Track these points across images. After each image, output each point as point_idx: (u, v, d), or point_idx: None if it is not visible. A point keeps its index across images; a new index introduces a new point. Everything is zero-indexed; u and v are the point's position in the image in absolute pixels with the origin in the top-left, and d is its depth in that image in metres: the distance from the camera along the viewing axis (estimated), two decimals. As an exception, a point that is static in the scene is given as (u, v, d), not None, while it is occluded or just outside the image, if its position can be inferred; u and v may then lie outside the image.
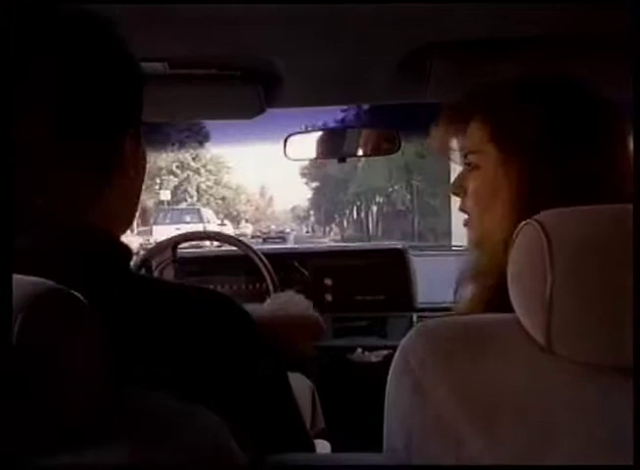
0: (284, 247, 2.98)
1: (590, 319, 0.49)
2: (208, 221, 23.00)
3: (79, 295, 0.43)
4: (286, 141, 1.55)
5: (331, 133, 1.58)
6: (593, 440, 0.48)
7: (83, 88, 0.55)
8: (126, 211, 0.65)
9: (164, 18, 0.89)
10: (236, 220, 46.23)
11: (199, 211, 23.88)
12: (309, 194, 47.82)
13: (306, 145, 1.57)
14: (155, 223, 21.16)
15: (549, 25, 0.91)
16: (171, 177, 31.27)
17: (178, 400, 0.48)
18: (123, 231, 0.66)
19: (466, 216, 0.87)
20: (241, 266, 1.90)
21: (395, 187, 27.89)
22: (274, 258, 1.79)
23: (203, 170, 34.14)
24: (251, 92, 1.21)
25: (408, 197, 26.83)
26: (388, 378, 0.59)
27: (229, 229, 28.85)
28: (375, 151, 1.58)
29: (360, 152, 1.58)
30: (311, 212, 53.37)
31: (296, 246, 4.37)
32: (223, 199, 40.20)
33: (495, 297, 0.64)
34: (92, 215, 0.58)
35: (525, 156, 0.76)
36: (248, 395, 0.61)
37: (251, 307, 0.70)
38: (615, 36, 0.84)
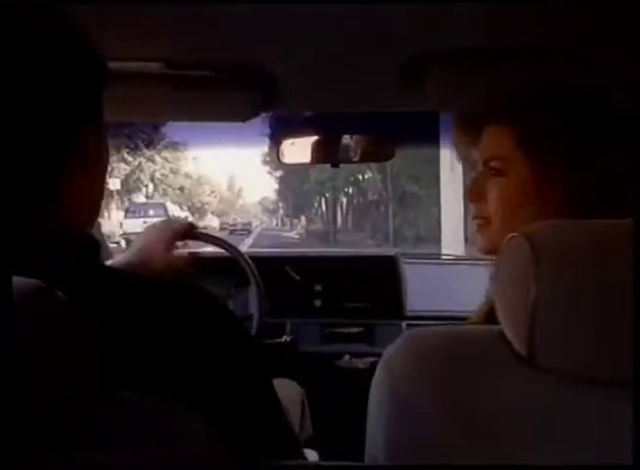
0: (274, 250, 2.98)
1: (572, 331, 0.49)
2: (174, 216, 23.02)
3: (60, 292, 0.42)
4: (280, 145, 1.55)
5: (325, 139, 1.58)
6: (576, 451, 0.48)
7: (31, 83, 0.52)
8: (90, 205, 0.63)
9: (162, 18, 0.89)
10: (200, 213, 44.92)
11: (164, 205, 25.23)
12: (276, 184, 45.58)
13: (300, 150, 1.56)
14: (125, 217, 22.59)
15: (550, 35, 0.91)
16: (122, 165, 27.15)
17: (162, 401, 0.47)
18: (90, 224, 0.64)
19: (475, 222, 0.87)
20: (224, 269, 1.83)
21: (367, 175, 24.92)
22: (263, 261, 1.78)
23: (157, 158, 31.05)
24: (247, 95, 1.21)
25: (380, 185, 23.53)
26: (371, 386, 0.58)
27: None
28: (369, 157, 1.58)
29: (354, 158, 1.58)
30: (280, 205, 51.43)
31: (286, 250, 4.37)
32: (182, 189, 38.37)
33: None
34: (54, 210, 0.56)
35: (556, 162, 0.76)
36: (229, 395, 0.59)
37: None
38: (615, 43, 0.84)
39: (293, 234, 29.07)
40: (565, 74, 0.86)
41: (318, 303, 1.99)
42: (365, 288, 1.98)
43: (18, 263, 0.45)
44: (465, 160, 0.92)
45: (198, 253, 2.13)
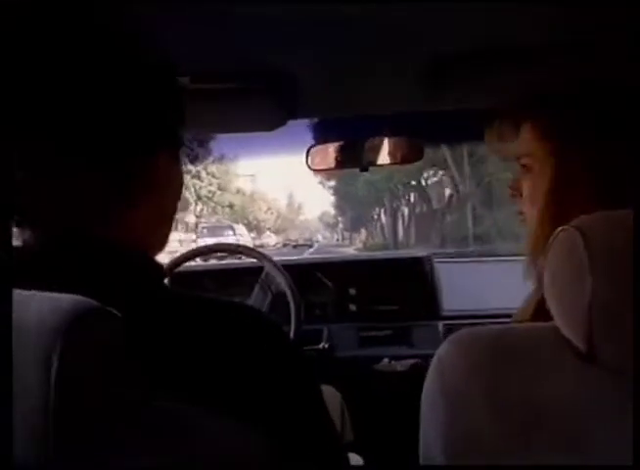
0: (305, 257, 2.98)
1: (633, 325, 0.48)
2: (241, 235, 24.65)
3: (117, 312, 0.43)
4: (308, 152, 1.55)
5: (352, 143, 1.58)
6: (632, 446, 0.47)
7: (108, 107, 0.53)
8: (160, 230, 0.64)
9: (186, 33, 0.90)
10: (257, 230, 43.48)
11: (231, 226, 26.21)
12: (332, 197, 42.15)
13: (328, 155, 1.57)
14: (197, 239, 23.00)
15: (566, 32, 0.90)
16: None
17: (212, 414, 0.48)
18: (159, 250, 0.65)
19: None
20: (257, 279, 1.80)
21: (431, 180, 20.99)
22: (296, 269, 1.79)
23: (203, 174, 28.33)
24: (273, 105, 1.22)
25: (447, 192, 19.63)
26: (424, 389, 0.58)
27: (248, 240, 28.38)
28: (397, 159, 1.58)
29: (382, 161, 1.57)
30: (339, 219, 49.43)
31: (317, 256, 4.38)
32: (231, 206, 35.61)
33: None
34: (122, 235, 0.57)
35: (582, 160, 0.76)
36: (284, 410, 0.60)
37: None
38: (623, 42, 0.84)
39: (351, 249, 25.91)
40: (595, 72, 0.86)
41: (353, 307, 1.99)
42: (399, 290, 1.98)
43: (82, 281, 0.49)
44: (502, 157, 0.93)
45: (237, 264, 2.15)
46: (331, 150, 1.56)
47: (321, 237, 46.56)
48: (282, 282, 1.58)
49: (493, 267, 2.14)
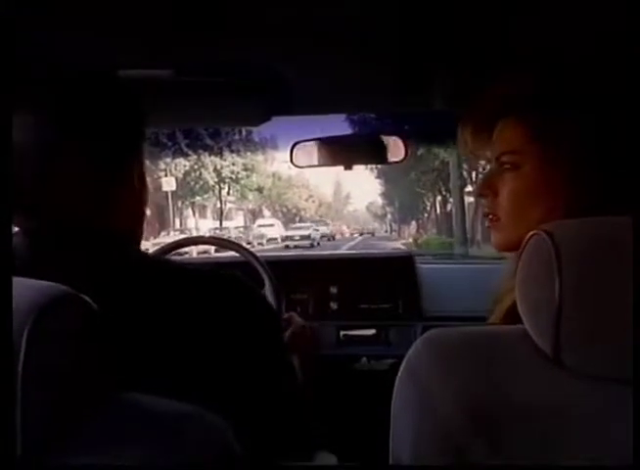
0: (288, 254, 2.98)
1: (599, 330, 0.49)
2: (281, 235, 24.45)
3: (88, 298, 0.44)
4: (292, 149, 1.55)
5: (337, 140, 1.58)
6: (601, 450, 0.48)
7: (98, 130, 0.72)
8: (135, 216, 0.80)
9: (171, 25, 0.89)
10: (295, 221, 38.99)
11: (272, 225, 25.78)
12: (380, 186, 38.43)
13: (312, 153, 1.56)
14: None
15: (553, 36, 0.91)
16: (180, 160, 22.45)
17: (183, 402, 0.48)
18: (138, 231, 0.81)
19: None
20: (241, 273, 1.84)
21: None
22: (278, 265, 1.78)
23: (226, 151, 22.91)
24: (257, 100, 1.22)
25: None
26: (395, 387, 0.58)
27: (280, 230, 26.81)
28: (382, 158, 1.58)
29: (366, 159, 1.57)
30: (387, 209, 45.25)
31: (301, 252, 4.38)
32: (260, 190, 30.72)
33: None
34: (109, 220, 0.73)
35: (573, 157, 0.75)
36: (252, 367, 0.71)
37: None
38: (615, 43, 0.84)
39: (399, 244, 23.11)
40: (578, 70, 0.86)
41: (334, 305, 1.99)
42: (381, 289, 1.98)
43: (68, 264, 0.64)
44: (471, 158, 0.91)
45: (218, 258, 2.15)
46: (316, 147, 1.56)
47: (364, 231, 42.77)
48: (263, 275, 1.57)
49: (477, 270, 2.15)
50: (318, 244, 23.95)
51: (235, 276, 0.76)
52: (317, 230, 27.31)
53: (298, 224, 31.96)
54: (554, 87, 0.80)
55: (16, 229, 0.69)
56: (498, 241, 0.85)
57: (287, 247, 21.98)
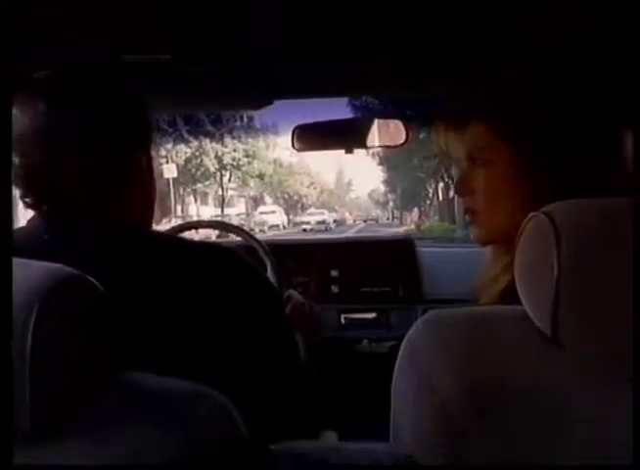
0: (289, 238, 2.98)
1: (597, 310, 0.49)
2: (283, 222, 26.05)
3: (94, 280, 0.44)
4: (293, 132, 1.54)
5: (338, 124, 1.58)
6: (599, 429, 0.48)
7: (104, 127, 0.76)
8: (146, 207, 0.85)
9: (170, 11, 0.89)
10: (296, 208, 39.71)
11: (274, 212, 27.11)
12: (382, 173, 38.63)
13: (313, 136, 1.56)
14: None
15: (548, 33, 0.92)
16: (181, 146, 22.36)
17: (189, 382, 0.49)
18: (146, 216, 0.85)
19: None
20: None
21: None
22: (279, 248, 1.79)
23: (228, 138, 23.14)
24: (258, 84, 1.21)
25: None
26: (395, 369, 0.59)
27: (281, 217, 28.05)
28: (382, 142, 1.57)
29: (367, 143, 1.57)
30: (389, 196, 45.18)
31: (303, 237, 4.38)
32: (261, 177, 30.63)
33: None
34: (120, 210, 0.78)
35: (539, 151, 0.76)
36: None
37: None
38: (612, 42, 0.85)
39: (401, 230, 23.46)
40: (547, 69, 0.87)
41: (335, 289, 2.00)
42: (382, 272, 1.98)
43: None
44: (447, 155, 0.92)
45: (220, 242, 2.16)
46: (316, 131, 1.55)
47: (365, 218, 43.16)
48: (265, 258, 1.58)
49: (478, 253, 2.15)
50: (331, 228, 26.90)
51: (234, 253, 0.79)
52: (331, 215, 31.05)
53: (313, 210, 34.42)
54: (520, 84, 0.81)
55: (28, 216, 0.75)
56: (478, 235, 0.87)
57: (304, 230, 25.00)
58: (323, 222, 27.49)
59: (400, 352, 0.58)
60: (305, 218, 29.10)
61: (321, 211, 32.95)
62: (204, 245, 0.84)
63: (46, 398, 0.41)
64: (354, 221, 38.71)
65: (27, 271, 0.41)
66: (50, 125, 0.72)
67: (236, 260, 0.78)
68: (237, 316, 0.71)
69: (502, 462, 0.49)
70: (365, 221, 38.49)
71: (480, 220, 0.85)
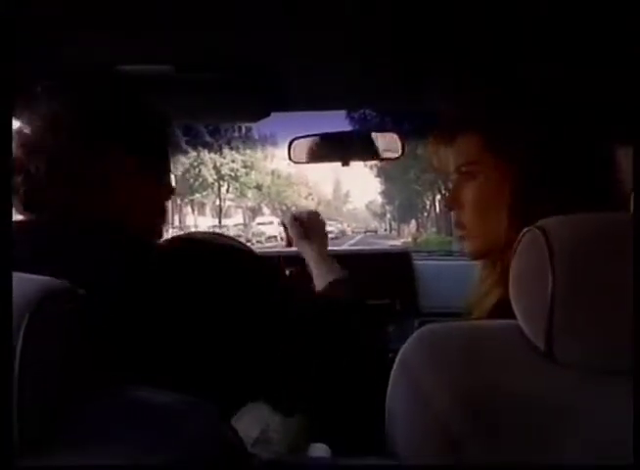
0: (287, 250, 2.97)
1: (591, 325, 0.49)
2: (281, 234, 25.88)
3: (81, 290, 0.44)
4: (290, 145, 1.55)
5: (335, 137, 1.58)
6: (593, 444, 0.48)
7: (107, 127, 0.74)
8: (151, 212, 0.82)
9: (170, 22, 0.90)
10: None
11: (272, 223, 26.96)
12: (380, 184, 39.53)
13: (310, 149, 1.57)
14: None
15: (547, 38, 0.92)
16: (179, 157, 20.84)
17: (180, 394, 0.48)
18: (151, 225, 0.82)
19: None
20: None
21: None
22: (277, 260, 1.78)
23: (226, 148, 23.76)
24: (256, 96, 1.22)
25: None
26: (389, 381, 0.59)
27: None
28: (378, 155, 1.58)
29: (363, 156, 1.58)
30: (387, 208, 45.90)
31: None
32: (259, 188, 31.42)
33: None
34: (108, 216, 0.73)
35: (526, 164, 0.76)
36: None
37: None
38: (611, 43, 0.85)
39: (399, 242, 23.97)
40: (532, 77, 0.88)
41: None
42: (378, 285, 1.98)
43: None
44: (438, 169, 0.91)
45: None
46: (313, 143, 1.56)
47: (364, 229, 44.49)
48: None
49: (475, 267, 2.15)
50: (338, 237, 29.55)
51: (230, 256, 0.76)
52: (337, 227, 34.22)
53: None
54: (505, 98, 0.82)
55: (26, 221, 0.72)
56: (469, 250, 0.87)
57: None
58: (331, 232, 28.42)
59: (394, 366, 0.58)
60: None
61: (330, 223, 34.85)
62: (200, 249, 0.79)
63: (34, 410, 0.40)
64: (351, 232, 39.47)
65: (17, 283, 0.41)
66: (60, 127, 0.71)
67: (234, 263, 0.75)
68: (240, 319, 0.69)
69: (500, 465, 0.49)
70: (365, 232, 39.92)
71: (470, 234, 0.85)
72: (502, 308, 0.71)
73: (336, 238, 27.23)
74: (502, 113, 0.80)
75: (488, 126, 0.80)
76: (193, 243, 0.76)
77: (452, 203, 0.86)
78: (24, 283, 0.42)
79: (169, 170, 0.85)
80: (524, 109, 0.79)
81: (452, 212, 0.88)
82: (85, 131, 0.72)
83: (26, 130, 0.71)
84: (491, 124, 0.80)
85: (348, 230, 41.59)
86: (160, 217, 0.85)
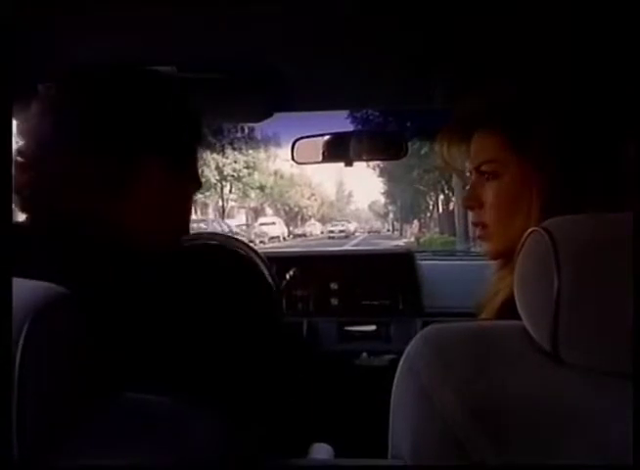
0: (290, 250, 2.97)
1: (597, 326, 0.49)
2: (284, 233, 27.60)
3: (83, 298, 0.44)
4: (293, 145, 1.55)
5: (338, 137, 1.58)
6: (600, 446, 0.48)
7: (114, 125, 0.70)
8: (150, 223, 0.75)
9: (173, 22, 0.90)
10: (299, 219, 41.26)
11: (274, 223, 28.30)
12: (383, 184, 39.71)
13: (314, 149, 1.57)
14: None
15: (552, 36, 0.92)
16: None
17: (180, 402, 0.48)
18: (150, 242, 0.75)
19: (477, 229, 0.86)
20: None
21: None
22: (279, 261, 1.79)
23: (229, 149, 23.06)
24: (259, 96, 1.22)
25: None
26: (394, 383, 0.58)
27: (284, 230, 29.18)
28: (381, 155, 1.58)
29: (367, 156, 1.58)
30: (389, 208, 45.96)
31: (302, 249, 4.38)
32: (262, 188, 30.99)
33: None
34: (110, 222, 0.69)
35: (550, 163, 0.75)
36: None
37: None
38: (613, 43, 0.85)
39: (401, 242, 24.27)
40: (553, 77, 0.87)
41: (335, 301, 1.99)
42: (381, 286, 1.98)
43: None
44: (449, 168, 0.91)
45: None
46: (316, 144, 1.56)
47: (368, 227, 46.18)
48: (261, 266, 1.57)
49: (478, 267, 2.15)
50: (349, 236, 31.29)
51: (227, 261, 0.79)
52: (350, 226, 37.76)
53: (335, 222, 40.96)
54: (528, 96, 0.80)
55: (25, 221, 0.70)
56: (489, 249, 0.86)
57: (330, 238, 31.01)
58: (344, 231, 34.18)
59: (399, 367, 0.58)
60: (331, 228, 35.90)
61: (342, 222, 39.68)
62: (196, 254, 0.82)
63: (33, 417, 0.40)
64: (354, 233, 40.02)
65: (16, 290, 0.41)
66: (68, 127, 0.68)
67: (231, 268, 0.77)
68: (233, 324, 0.69)
69: (500, 466, 0.49)
70: (369, 232, 41.47)
71: (490, 234, 0.84)
72: (510, 308, 0.71)
73: (346, 237, 29.87)
74: (527, 111, 0.79)
75: (512, 125, 0.79)
76: (198, 254, 0.78)
77: (471, 202, 0.85)
78: (25, 289, 0.42)
79: (197, 167, 0.84)
80: (549, 107, 0.77)
81: (471, 212, 0.86)
82: (115, 132, 0.70)
83: (44, 133, 0.69)
84: (515, 123, 0.79)
85: (359, 229, 42.38)
86: (189, 214, 0.85)
